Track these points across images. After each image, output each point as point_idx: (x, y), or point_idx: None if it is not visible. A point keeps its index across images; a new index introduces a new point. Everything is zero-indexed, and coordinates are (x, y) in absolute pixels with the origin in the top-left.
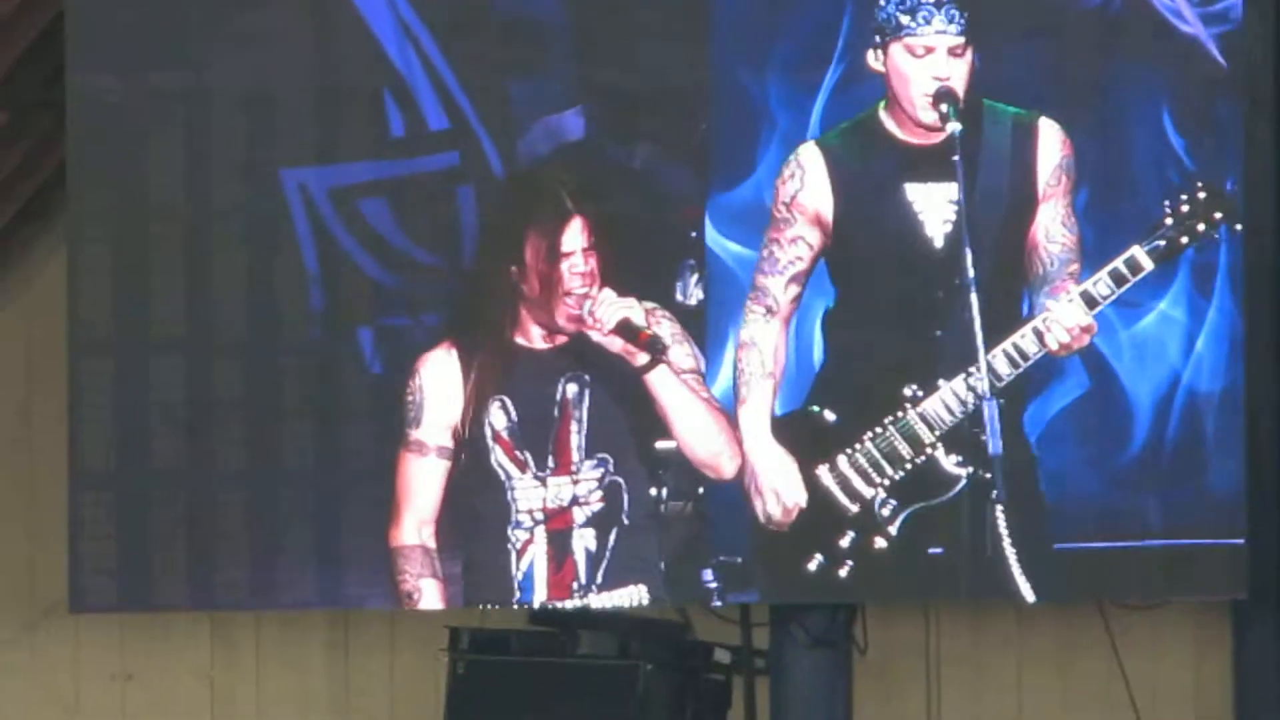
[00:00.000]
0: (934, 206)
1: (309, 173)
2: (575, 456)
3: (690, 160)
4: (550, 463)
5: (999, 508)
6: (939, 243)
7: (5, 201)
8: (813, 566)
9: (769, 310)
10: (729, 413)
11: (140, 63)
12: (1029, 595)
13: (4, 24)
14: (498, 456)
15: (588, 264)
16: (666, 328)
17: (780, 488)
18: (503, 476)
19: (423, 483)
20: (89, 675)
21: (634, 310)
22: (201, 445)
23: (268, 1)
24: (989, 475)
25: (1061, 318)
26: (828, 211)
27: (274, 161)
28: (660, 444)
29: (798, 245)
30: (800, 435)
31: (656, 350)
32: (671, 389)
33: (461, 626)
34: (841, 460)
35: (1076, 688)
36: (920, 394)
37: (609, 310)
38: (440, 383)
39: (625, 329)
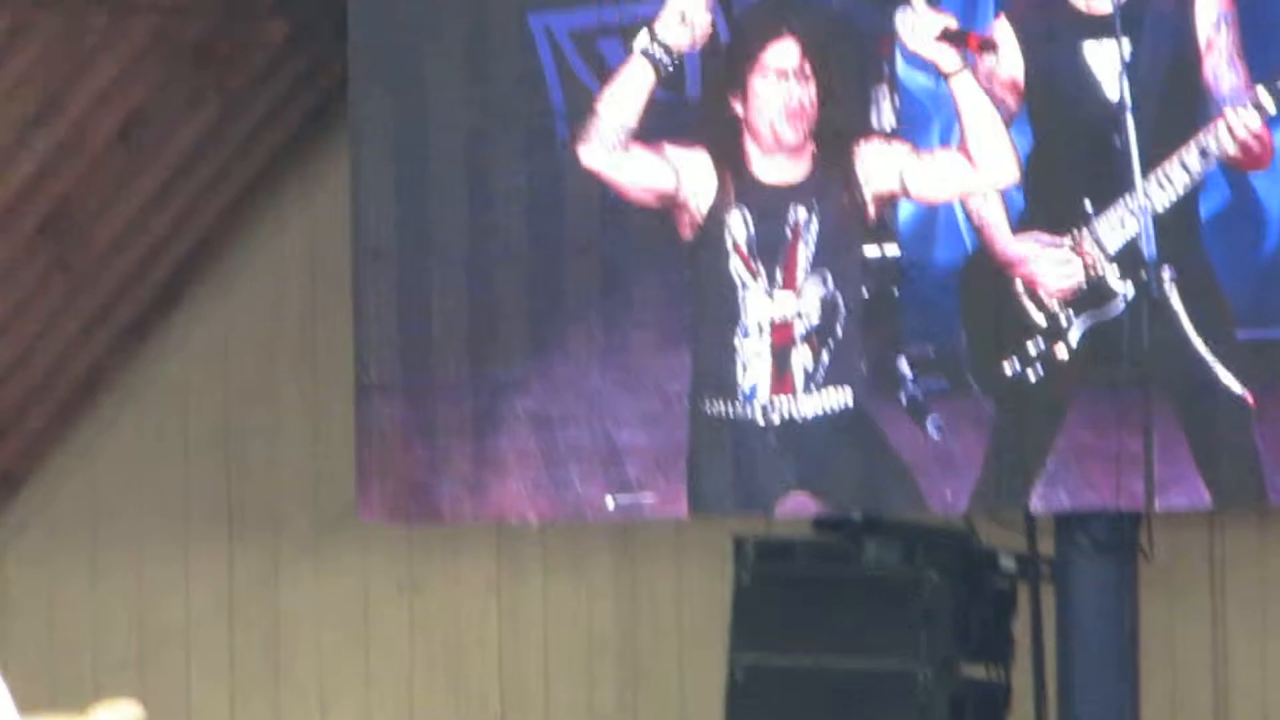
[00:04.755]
0: (1106, 64)
1: (551, 17)
2: (801, 273)
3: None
4: (779, 278)
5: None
6: (1113, 94)
7: (288, 112)
8: (1008, 369)
9: None
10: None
11: None
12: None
13: None
14: (735, 264)
15: (804, 85)
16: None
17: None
18: (737, 283)
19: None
20: (377, 587)
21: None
22: (484, 351)
23: None
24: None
25: (1234, 125)
26: (1020, 77)
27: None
28: (869, 251)
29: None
30: None
31: (989, 49)
32: (974, 98)
33: (746, 535)
34: None
35: None
36: (1094, 213)
37: (923, 22)
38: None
39: (951, 35)
